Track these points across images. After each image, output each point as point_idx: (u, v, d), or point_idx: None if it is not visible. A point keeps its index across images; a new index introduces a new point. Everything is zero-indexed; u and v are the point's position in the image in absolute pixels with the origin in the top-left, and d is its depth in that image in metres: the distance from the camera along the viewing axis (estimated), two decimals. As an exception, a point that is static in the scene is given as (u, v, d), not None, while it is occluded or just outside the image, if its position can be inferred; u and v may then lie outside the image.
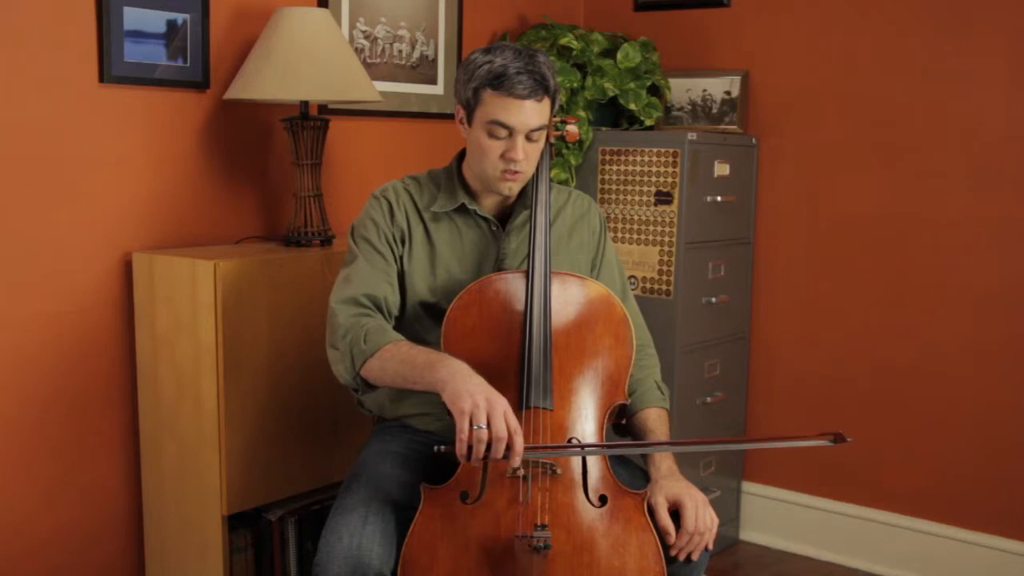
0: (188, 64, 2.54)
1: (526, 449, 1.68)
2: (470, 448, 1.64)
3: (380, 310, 1.96)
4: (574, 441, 1.85)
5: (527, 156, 1.93)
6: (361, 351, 1.86)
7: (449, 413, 1.69)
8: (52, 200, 2.34)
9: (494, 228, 2.05)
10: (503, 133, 1.91)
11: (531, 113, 1.90)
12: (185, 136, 2.57)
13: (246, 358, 2.31)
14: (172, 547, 2.46)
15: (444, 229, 2.05)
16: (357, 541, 1.76)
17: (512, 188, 1.98)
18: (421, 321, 2.04)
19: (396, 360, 1.83)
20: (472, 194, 2.06)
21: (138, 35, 2.44)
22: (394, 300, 1.99)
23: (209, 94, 2.61)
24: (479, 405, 1.65)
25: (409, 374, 1.80)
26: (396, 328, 2.08)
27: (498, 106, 1.89)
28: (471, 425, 1.63)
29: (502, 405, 1.66)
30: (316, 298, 2.41)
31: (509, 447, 1.66)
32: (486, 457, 1.66)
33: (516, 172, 1.94)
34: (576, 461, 1.83)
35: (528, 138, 1.92)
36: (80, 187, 2.38)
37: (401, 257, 2.03)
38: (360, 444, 2.17)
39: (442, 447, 1.70)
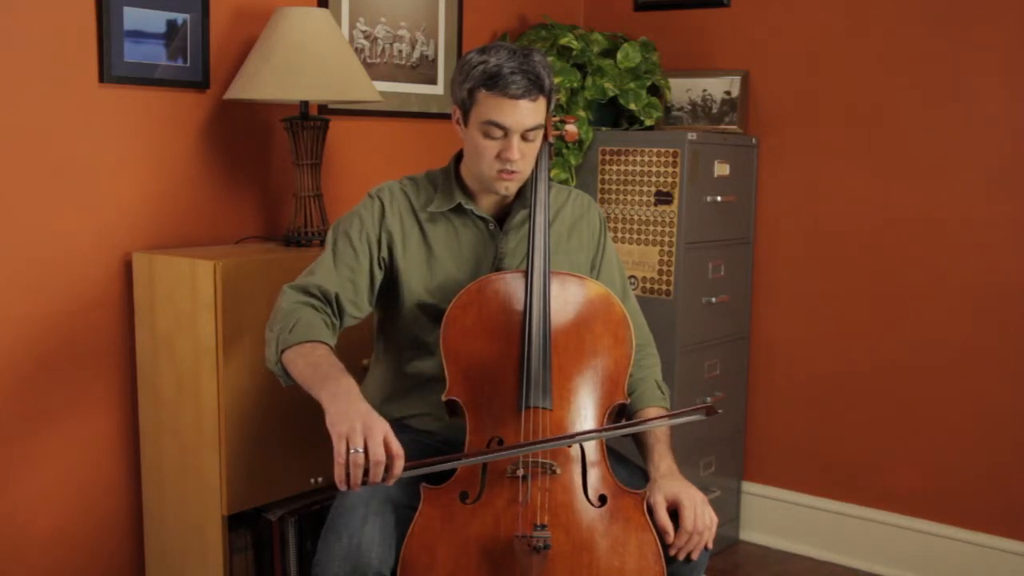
0: (188, 64, 2.54)
1: (405, 468, 1.65)
2: (348, 473, 1.60)
3: (329, 304, 1.95)
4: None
5: (523, 156, 1.93)
6: (285, 339, 1.86)
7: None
8: (52, 200, 2.34)
9: (491, 228, 2.05)
10: (498, 133, 1.91)
11: (526, 113, 1.90)
12: (185, 136, 2.57)
13: (246, 358, 2.31)
14: (172, 547, 2.46)
15: (441, 229, 2.05)
16: (357, 541, 1.76)
17: (509, 188, 1.98)
18: (419, 321, 2.04)
19: (306, 361, 1.81)
20: (470, 194, 2.06)
21: (138, 35, 2.44)
22: (350, 298, 1.97)
23: (209, 94, 2.61)
24: (356, 429, 1.62)
25: (308, 380, 1.78)
26: (395, 329, 2.09)
27: (493, 106, 1.89)
28: (348, 449, 1.60)
29: (382, 430, 1.63)
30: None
31: (388, 470, 1.63)
32: (364, 483, 1.62)
33: (512, 172, 1.94)
34: (576, 461, 1.83)
35: (524, 138, 1.92)
36: (80, 187, 2.38)
37: (385, 260, 2.02)
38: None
39: (320, 479, 1.66)
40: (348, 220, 2.04)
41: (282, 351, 1.85)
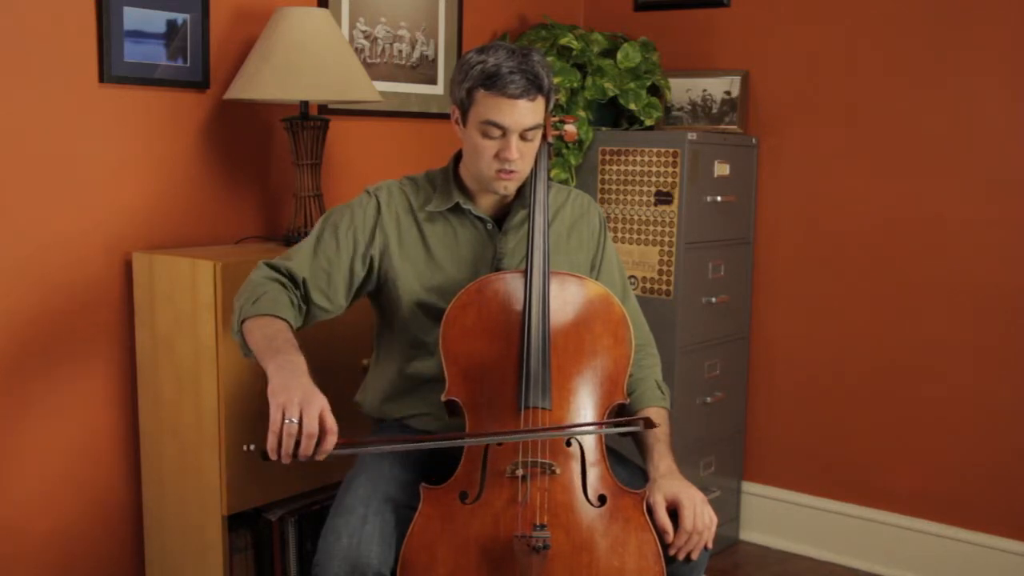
0: (188, 64, 2.54)
1: (338, 446, 1.66)
2: (280, 444, 1.61)
3: (297, 288, 1.97)
4: (572, 441, 1.85)
5: (522, 155, 1.93)
6: (247, 310, 1.88)
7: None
8: (52, 200, 2.34)
9: (490, 228, 2.05)
10: (497, 133, 1.91)
11: (524, 112, 1.90)
12: (185, 136, 2.57)
13: (246, 358, 2.31)
14: (172, 547, 2.46)
15: (439, 229, 2.05)
16: (356, 541, 1.76)
17: (508, 187, 1.98)
18: (418, 321, 2.04)
19: (262, 333, 1.83)
20: (469, 194, 2.06)
21: (138, 35, 2.44)
22: (321, 288, 1.98)
23: (209, 94, 2.61)
24: (293, 400, 1.63)
25: (261, 351, 1.79)
26: (394, 329, 2.09)
27: (491, 106, 1.89)
28: (283, 418, 1.62)
29: (319, 404, 1.64)
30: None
31: (319, 445, 1.64)
32: (296, 456, 1.63)
33: (511, 172, 1.94)
34: (575, 461, 1.84)
35: (523, 137, 1.92)
36: (80, 187, 2.38)
37: (373, 258, 2.02)
38: (360, 444, 2.17)
39: (252, 445, 1.66)
40: (339, 212, 2.04)
41: (243, 321, 1.87)
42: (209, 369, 2.29)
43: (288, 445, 1.61)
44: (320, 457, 1.65)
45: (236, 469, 2.32)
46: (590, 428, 1.87)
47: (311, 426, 1.62)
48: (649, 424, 1.82)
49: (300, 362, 1.74)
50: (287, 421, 1.61)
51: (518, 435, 1.82)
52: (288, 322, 1.88)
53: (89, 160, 2.39)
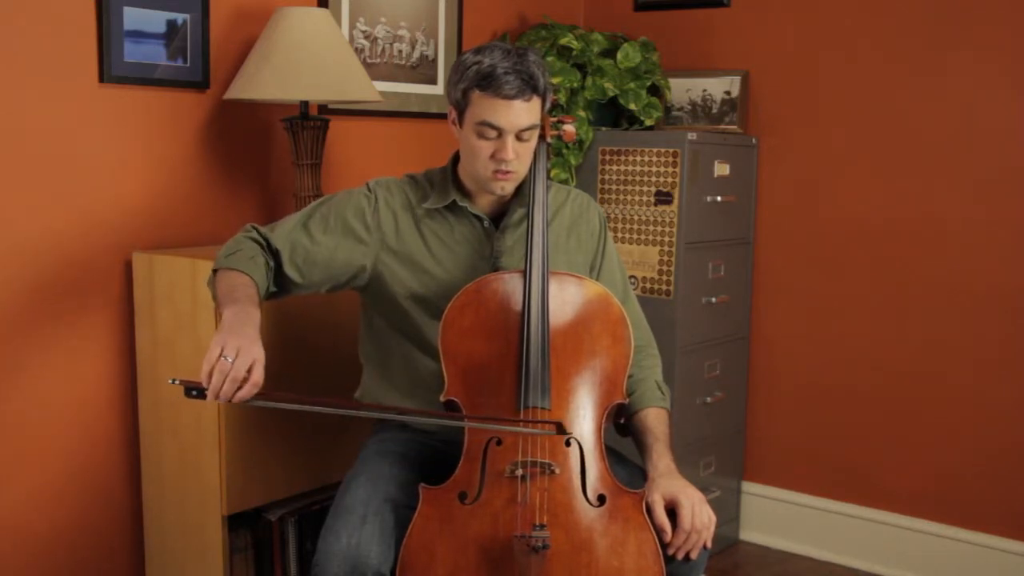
0: (188, 64, 2.54)
1: (256, 396, 1.71)
2: (211, 378, 1.67)
3: (272, 256, 2.00)
4: (572, 442, 1.85)
5: (518, 156, 1.93)
6: (221, 262, 1.93)
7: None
8: (52, 200, 2.34)
9: (486, 226, 2.05)
10: (492, 134, 1.91)
11: (520, 113, 1.90)
12: (185, 136, 2.57)
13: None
14: (172, 547, 2.46)
15: (436, 226, 2.05)
16: (356, 541, 1.77)
17: (505, 187, 1.98)
18: (414, 319, 2.04)
19: (228, 284, 1.88)
20: (467, 193, 2.06)
21: (138, 35, 2.44)
22: (296, 263, 1.99)
23: (209, 94, 2.61)
24: (233, 343, 1.69)
25: (221, 299, 1.84)
26: (391, 328, 2.09)
27: (486, 107, 1.89)
28: (220, 355, 1.67)
29: (254, 354, 1.70)
30: (316, 297, 2.41)
31: (238, 391, 1.69)
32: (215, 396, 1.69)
33: (507, 172, 1.94)
34: (575, 461, 1.84)
35: (519, 138, 1.92)
36: (80, 187, 2.38)
37: (364, 252, 2.03)
38: (359, 444, 2.17)
39: (177, 380, 1.72)
40: (337, 199, 2.06)
41: (215, 271, 1.93)
42: (209, 369, 2.28)
43: (217, 381, 1.67)
44: (235, 401, 1.70)
45: (236, 469, 2.32)
46: (508, 424, 1.88)
47: (239, 371, 1.68)
48: (562, 429, 1.80)
49: (254, 314, 1.79)
50: (223, 358, 1.67)
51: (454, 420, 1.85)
52: (255, 280, 1.91)
53: (89, 160, 2.39)
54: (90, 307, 2.42)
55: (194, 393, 1.70)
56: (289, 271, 1.99)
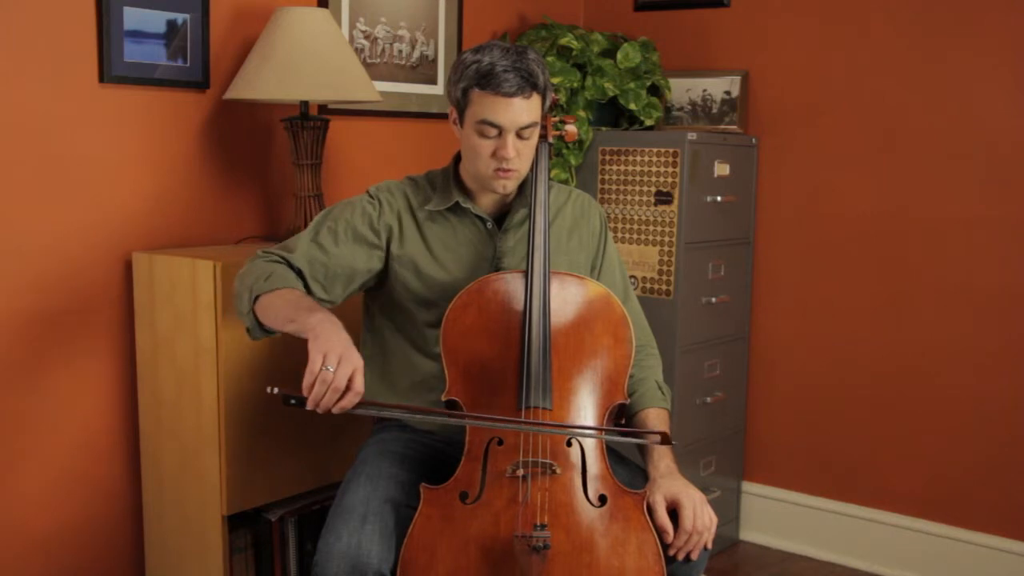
0: (188, 64, 2.54)
1: (358, 406, 1.72)
2: (312, 387, 1.67)
3: (297, 275, 1.98)
4: (573, 442, 1.85)
5: (519, 154, 1.93)
6: (260, 287, 1.89)
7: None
8: (52, 200, 2.34)
9: (489, 227, 2.05)
10: (493, 132, 1.91)
11: (519, 111, 1.90)
12: (185, 136, 2.57)
13: (246, 358, 2.31)
14: (172, 547, 2.46)
15: (439, 228, 2.05)
16: (356, 541, 1.76)
17: (507, 186, 1.98)
18: (417, 320, 2.04)
19: (285, 300, 1.86)
20: (469, 194, 2.06)
21: (138, 35, 2.44)
22: (318, 279, 1.99)
23: (209, 94, 2.61)
24: (334, 352, 1.69)
25: (291, 313, 1.82)
26: (392, 328, 2.09)
27: (486, 105, 1.89)
28: (323, 364, 1.67)
29: (354, 363, 1.70)
30: (316, 298, 2.42)
31: (339, 400, 1.69)
32: (315, 406, 1.69)
33: (509, 170, 1.94)
34: (576, 461, 1.83)
35: (519, 136, 1.92)
36: (80, 187, 2.38)
37: (376, 256, 2.03)
38: (360, 444, 2.17)
39: (275, 388, 1.72)
40: (340, 209, 2.05)
41: (256, 298, 1.89)
42: (209, 369, 2.29)
43: (318, 392, 1.67)
44: (336, 411, 1.70)
45: (236, 469, 2.32)
46: (601, 433, 1.90)
47: (340, 381, 1.68)
48: (667, 440, 1.81)
49: (337, 320, 1.78)
50: (325, 368, 1.67)
51: (544, 428, 1.83)
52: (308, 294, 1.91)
53: (89, 160, 2.39)
54: (90, 307, 2.42)
55: (292, 402, 1.70)
56: (314, 288, 1.98)
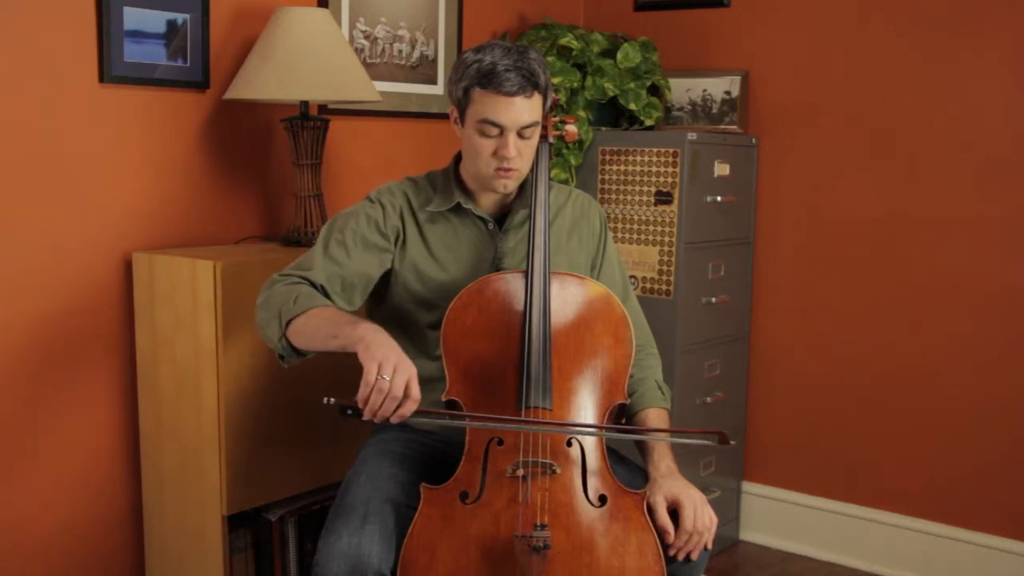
0: (188, 64, 2.54)
1: (415, 413, 1.71)
2: (368, 398, 1.67)
3: (320, 291, 1.97)
4: (573, 442, 1.85)
5: (520, 153, 1.93)
6: (289, 310, 1.87)
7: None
8: (52, 200, 2.34)
9: (490, 227, 2.05)
10: (494, 131, 1.91)
11: (521, 110, 1.90)
12: (185, 136, 2.57)
13: (246, 358, 2.31)
14: (172, 547, 2.46)
15: (440, 229, 2.05)
16: (356, 541, 1.76)
17: (508, 185, 1.98)
18: (418, 321, 2.04)
19: (321, 318, 1.85)
20: (469, 194, 2.06)
21: (138, 35, 2.44)
22: (338, 292, 1.98)
23: (209, 94, 2.61)
24: (390, 360, 1.68)
25: (332, 330, 1.81)
26: (393, 328, 2.08)
27: (488, 104, 1.89)
28: (378, 374, 1.67)
29: (409, 371, 1.70)
30: (316, 298, 2.42)
31: (398, 409, 1.69)
32: (373, 415, 1.68)
33: (509, 169, 1.94)
34: (576, 462, 1.83)
35: (520, 135, 1.92)
36: (80, 187, 2.38)
37: (384, 261, 2.03)
38: (360, 444, 2.17)
39: (331, 399, 1.71)
40: (344, 219, 2.04)
41: (288, 322, 1.87)
42: (209, 369, 2.29)
43: (376, 401, 1.67)
44: (395, 420, 1.70)
45: (236, 469, 2.32)
46: (666, 435, 1.92)
47: (397, 389, 1.67)
48: (725, 439, 1.77)
49: (383, 329, 1.78)
50: (381, 377, 1.66)
51: (616, 433, 1.85)
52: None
53: (89, 160, 2.39)
54: (90, 307, 2.42)
55: (349, 412, 1.70)
56: (338, 302, 1.98)
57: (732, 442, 1.76)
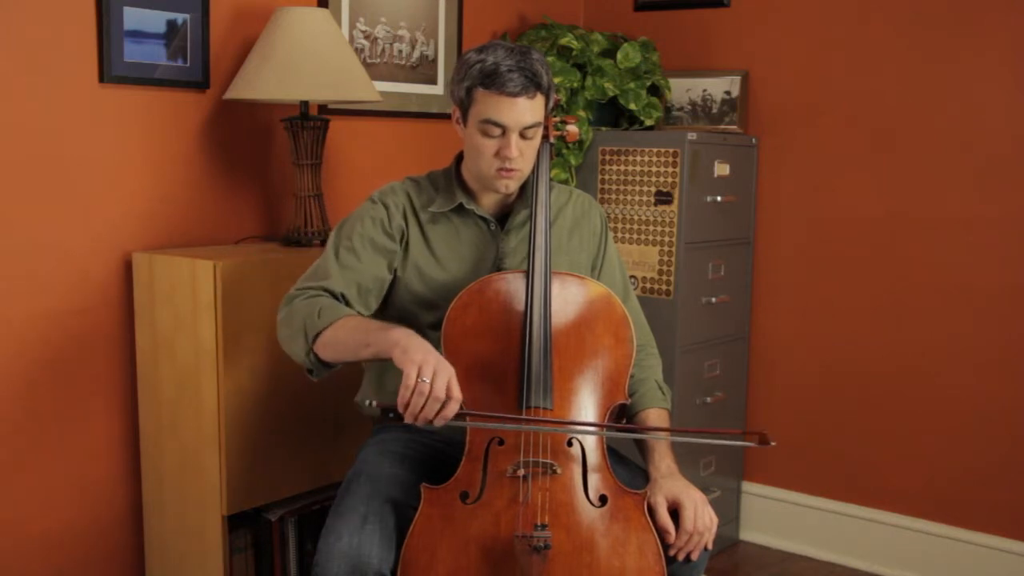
0: (188, 64, 2.54)
1: (456, 416, 1.71)
2: (409, 401, 1.66)
3: (336, 301, 1.97)
4: (574, 442, 1.85)
5: (522, 153, 1.93)
6: (315, 324, 1.87)
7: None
8: (52, 200, 2.34)
9: (492, 228, 2.05)
10: (496, 131, 1.91)
11: (523, 110, 1.90)
12: (185, 136, 2.57)
13: (246, 358, 2.31)
14: (172, 547, 2.46)
15: (442, 229, 2.05)
16: (356, 541, 1.76)
17: (509, 186, 1.98)
18: (419, 317, 2.04)
19: (349, 328, 1.85)
20: (471, 194, 2.06)
21: (138, 35, 2.44)
22: (355, 299, 1.98)
23: (209, 94, 2.61)
24: (429, 362, 1.68)
25: (363, 338, 1.81)
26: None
27: (490, 104, 1.89)
28: (418, 377, 1.66)
29: (448, 372, 1.70)
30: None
31: (441, 411, 1.69)
32: (414, 418, 1.68)
33: (512, 170, 1.94)
34: (576, 461, 1.83)
35: (523, 135, 1.92)
36: (80, 187, 2.38)
37: (391, 263, 2.03)
38: (360, 444, 2.17)
39: (373, 402, 1.71)
40: (350, 224, 2.04)
41: (315, 337, 1.86)
42: (209, 369, 2.28)
43: (417, 404, 1.66)
44: (439, 423, 1.70)
45: (236, 469, 2.32)
46: (700, 436, 1.90)
47: (439, 391, 1.67)
48: (765, 440, 1.75)
49: (415, 332, 1.77)
50: (421, 380, 1.66)
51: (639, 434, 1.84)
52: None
53: (89, 160, 2.39)
54: (90, 307, 2.42)
55: (391, 416, 1.69)
56: (358, 308, 1.98)
57: (773, 442, 1.74)
